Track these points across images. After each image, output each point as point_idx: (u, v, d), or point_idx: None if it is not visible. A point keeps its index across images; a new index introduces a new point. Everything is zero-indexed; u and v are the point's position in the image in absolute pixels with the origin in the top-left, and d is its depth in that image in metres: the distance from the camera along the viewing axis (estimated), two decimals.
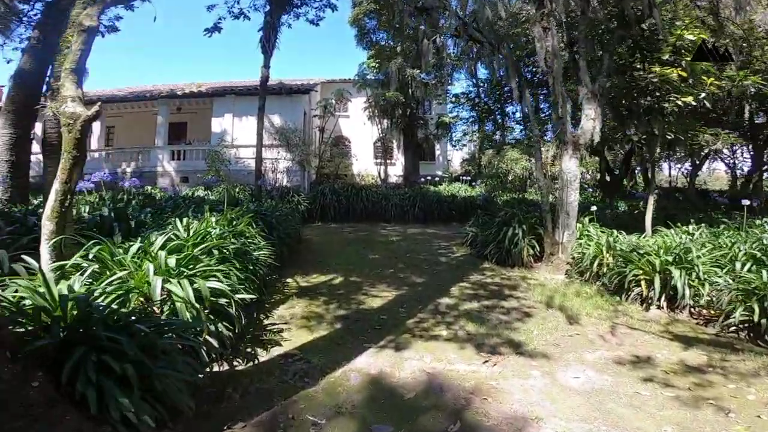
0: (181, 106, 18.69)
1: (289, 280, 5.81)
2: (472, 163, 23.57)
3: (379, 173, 17.36)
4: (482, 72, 19.15)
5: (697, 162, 14.23)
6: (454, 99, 17.57)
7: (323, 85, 21.91)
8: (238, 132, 15.78)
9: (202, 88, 17.54)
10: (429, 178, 17.95)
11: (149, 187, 13.90)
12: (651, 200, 6.38)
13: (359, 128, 21.48)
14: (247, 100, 15.51)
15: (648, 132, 6.01)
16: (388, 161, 21.75)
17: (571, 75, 6.66)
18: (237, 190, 13.06)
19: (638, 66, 6.16)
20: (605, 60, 6.18)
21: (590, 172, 18.30)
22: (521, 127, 21.91)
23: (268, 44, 12.45)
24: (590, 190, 17.62)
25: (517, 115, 17.88)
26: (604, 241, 5.50)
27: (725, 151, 16.75)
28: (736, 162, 18.56)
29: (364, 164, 21.43)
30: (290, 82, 17.30)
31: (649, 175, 8.00)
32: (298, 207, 12.09)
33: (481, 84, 16.76)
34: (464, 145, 21.35)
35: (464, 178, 18.72)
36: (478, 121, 17.58)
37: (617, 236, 5.70)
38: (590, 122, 5.88)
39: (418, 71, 17.71)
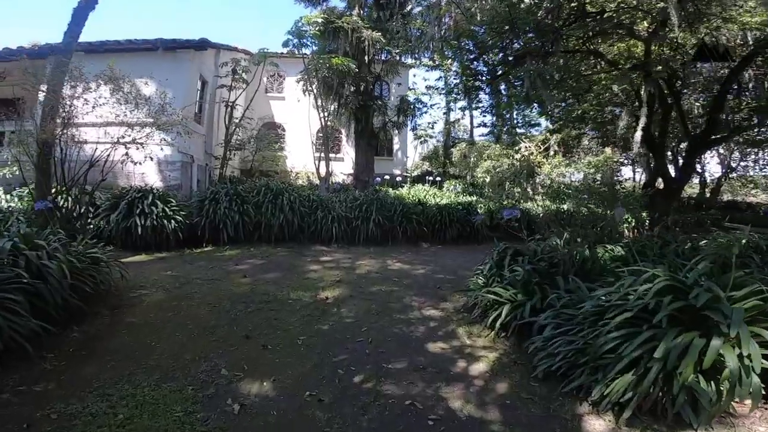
0: (4, 74, 12.34)
1: None
2: (435, 159, 19.28)
3: (318, 170, 12.28)
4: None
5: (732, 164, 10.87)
6: (436, 52, 11.81)
7: (252, 58, 16.45)
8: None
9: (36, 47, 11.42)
10: (387, 177, 13.26)
11: None
12: None
13: (297, 113, 16.30)
14: (107, 59, 9.39)
15: None
16: (334, 155, 16.79)
17: None
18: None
19: None
20: None
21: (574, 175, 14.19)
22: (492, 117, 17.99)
23: None
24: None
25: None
26: None
27: None
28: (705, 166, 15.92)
29: (301, 159, 16.25)
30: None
31: None
32: (162, 224, 6.78)
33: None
34: (431, 137, 16.88)
35: (429, 178, 14.25)
36: (464, 97, 12.60)
37: None
38: None
39: (380, 34, 12.94)
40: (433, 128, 16.29)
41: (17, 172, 7.96)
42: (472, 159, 13.05)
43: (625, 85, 7.25)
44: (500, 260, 4.10)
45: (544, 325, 2.91)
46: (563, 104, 10.55)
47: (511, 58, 7.33)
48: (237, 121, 10.71)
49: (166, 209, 6.91)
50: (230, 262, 6.42)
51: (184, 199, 8.29)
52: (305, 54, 12.82)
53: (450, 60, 11.47)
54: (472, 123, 20.05)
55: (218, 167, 10.73)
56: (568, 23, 7.07)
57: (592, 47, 7.80)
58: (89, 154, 7.57)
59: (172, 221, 6.97)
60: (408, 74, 18.57)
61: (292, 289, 4.95)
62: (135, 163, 7.40)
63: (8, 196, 7.64)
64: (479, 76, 8.22)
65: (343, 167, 17.07)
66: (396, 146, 18.15)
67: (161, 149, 8.49)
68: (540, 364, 2.77)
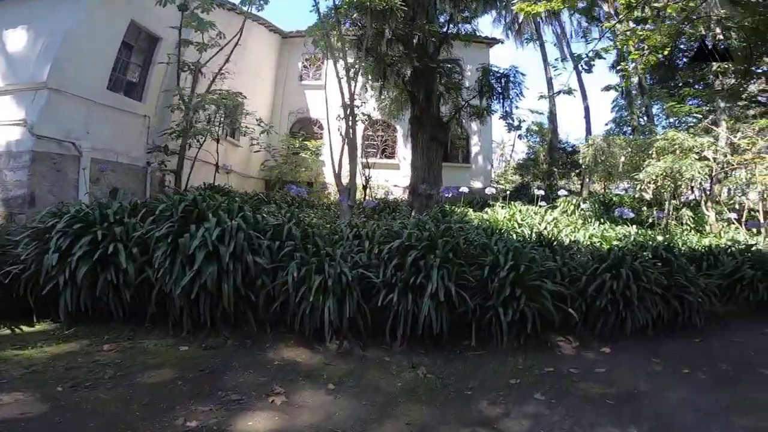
0: None
1: None
2: (534, 167, 13.46)
3: (338, 177, 7.43)
4: None
5: None
6: None
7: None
8: None
9: None
10: (466, 190, 8.00)
11: None
12: None
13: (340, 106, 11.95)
14: None
15: None
16: (385, 160, 12.11)
17: None
18: None
19: None
20: None
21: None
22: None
23: None
24: None
25: None
26: None
27: None
28: None
29: (345, 166, 11.68)
30: None
31: None
32: None
33: None
34: (537, 128, 11.32)
35: (539, 192, 8.60)
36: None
37: None
38: None
39: None
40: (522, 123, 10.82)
41: None
42: (621, 159, 7.24)
43: None
44: None
45: None
46: None
47: None
48: (195, 97, 6.35)
49: None
50: None
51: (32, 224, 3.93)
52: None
53: None
54: (588, 117, 14.02)
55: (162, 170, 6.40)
56: None
57: None
58: None
59: None
60: (488, 54, 13.29)
61: None
62: None
63: None
64: None
65: (399, 177, 12.17)
66: (475, 148, 12.75)
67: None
68: None
